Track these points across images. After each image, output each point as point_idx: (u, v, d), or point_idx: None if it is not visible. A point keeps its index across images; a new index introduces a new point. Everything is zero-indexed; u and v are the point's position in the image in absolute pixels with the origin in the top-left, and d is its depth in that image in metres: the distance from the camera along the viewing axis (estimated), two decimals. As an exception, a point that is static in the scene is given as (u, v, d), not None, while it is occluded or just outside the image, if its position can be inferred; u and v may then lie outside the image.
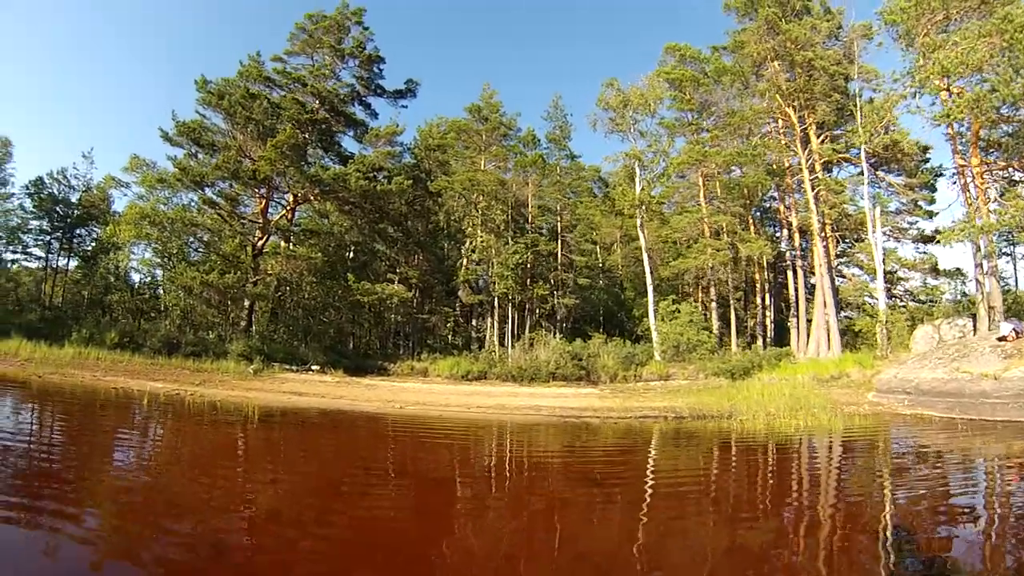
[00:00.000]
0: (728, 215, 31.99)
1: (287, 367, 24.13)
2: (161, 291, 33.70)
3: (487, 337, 33.46)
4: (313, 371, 24.53)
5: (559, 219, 37.42)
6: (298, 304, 33.94)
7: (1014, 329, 18.74)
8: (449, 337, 33.66)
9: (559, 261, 35.93)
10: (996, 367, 16.97)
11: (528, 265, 33.53)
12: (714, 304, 33.03)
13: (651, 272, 31.75)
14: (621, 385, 25.55)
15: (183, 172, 26.54)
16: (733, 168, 33.34)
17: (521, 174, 35.77)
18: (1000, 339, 18.84)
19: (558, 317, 34.71)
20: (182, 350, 22.89)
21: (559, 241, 36.50)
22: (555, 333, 32.43)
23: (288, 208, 30.47)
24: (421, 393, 20.75)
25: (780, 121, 32.25)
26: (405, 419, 14.82)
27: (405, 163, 34.53)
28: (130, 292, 32.39)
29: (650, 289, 31.31)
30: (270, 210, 30.09)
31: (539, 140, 36.33)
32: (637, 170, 33.07)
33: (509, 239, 33.35)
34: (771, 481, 8.57)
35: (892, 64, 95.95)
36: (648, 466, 9.72)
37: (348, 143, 33.62)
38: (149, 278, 35.57)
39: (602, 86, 33.98)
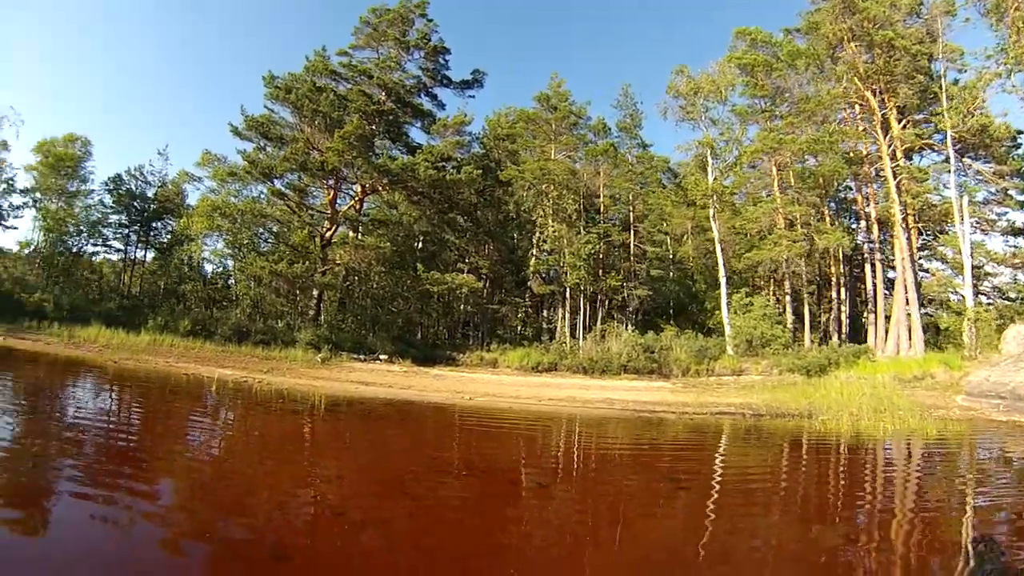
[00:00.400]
0: (804, 205, 31.63)
1: (355, 356, 24.84)
2: (232, 281, 35.03)
3: (558, 328, 33.99)
4: (381, 361, 25.23)
5: (631, 209, 37.79)
6: (366, 294, 35.11)
7: None
8: (519, 328, 34.38)
9: (631, 251, 36.44)
10: None
11: (600, 255, 34.02)
12: (788, 298, 32.87)
13: (724, 264, 31.89)
14: (693, 379, 25.55)
15: (252, 165, 27.68)
16: (808, 157, 32.92)
17: (592, 163, 36.12)
18: None
19: (629, 309, 35.20)
20: (251, 338, 23.98)
21: (631, 231, 36.89)
22: (626, 325, 33.04)
23: (356, 199, 31.67)
24: (490, 384, 20.99)
25: (857, 107, 31.81)
26: (473, 410, 14.89)
27: (474, 153, 35.20)
28: (203, 282, 33.71)
29: (723, 281, 31.53)
30: (339, 201, 31.34)
31: (609, 129, 36.78)
32: (709, 159, 33.31)
33: (581, 229, 33.89)
34: (874, 487, 8.34)
35: (980, 42, 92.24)
36: (730, 467, 9.67)
37: (416, 135, 34.28)
38: (221, 268, 36.80)
39: (672, 73, 34.46)
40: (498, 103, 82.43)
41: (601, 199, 36.48)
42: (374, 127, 29.80)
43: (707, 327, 33.73)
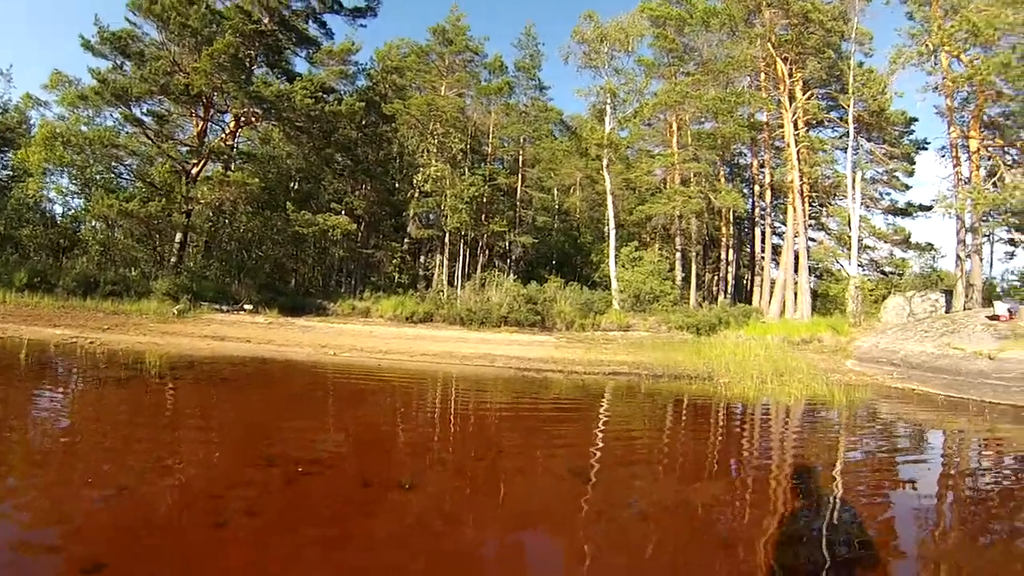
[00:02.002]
0: (703, 163, 34.44)
1: (216, 307, 24.62)
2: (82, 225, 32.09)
3: (435, 276, 35.06)
4: (245, 311, 25.29)
5: (520, 152, 39.39)
6: (231, 237, 34.47)
7: (1009, 309, 20.20)
8: (395, 275, 34.97)
9: (517, 197, 38.16)
10: (990, 347, 18.03)
11: (484, 199, 35.12)
12: (678, 255, 35.66)
13: (613, 216, 34.00)
14: (578, 334, 26.54)
15: (104, 85, 25.81)
16: (705, 120, 35.91)
17: (484, 102, 37.21)
18: (991, 318, 20.34)
19: (512, 257, 37.42)
20: (100, 290, 22.83)
21: (519, 176, 38.53)
22: (508, 274, 34.40)
23: (228, 131, 30.93)
24: (360, 337, 20.98)
25: (764, 75, 34.55)
26: (336, 369, 14.38)
27: (359, 87, 34.27)
28: (44, 226, 30.37)
29: (612, 234, 33.61)
30: (210, 135, 30.50)
31: (506, 68, 37.86)
32: (608, 108, 35.23)
33: (466, 170, 35.09)
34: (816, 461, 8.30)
35: (887, 31, 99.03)
36: (649, 446, 8.96)
37: (301, 66, 34.06)
38: (71, 211, 33.38)
39: (580, 18, 35.90)
40: (392, 36, 79.79)
41: (491, 140, 38.09)
42: (252, 51, 29.25)
43: (592, 280, 35.81)
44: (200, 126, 29.41)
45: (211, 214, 30.49)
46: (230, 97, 27.41)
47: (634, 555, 4.83)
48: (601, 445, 8.52)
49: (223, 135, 30.44)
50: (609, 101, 34.81)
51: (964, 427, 11.70)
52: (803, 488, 7.00)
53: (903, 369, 18.59)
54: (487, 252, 37.00)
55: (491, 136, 37.68)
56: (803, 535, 5.53)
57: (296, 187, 35.94)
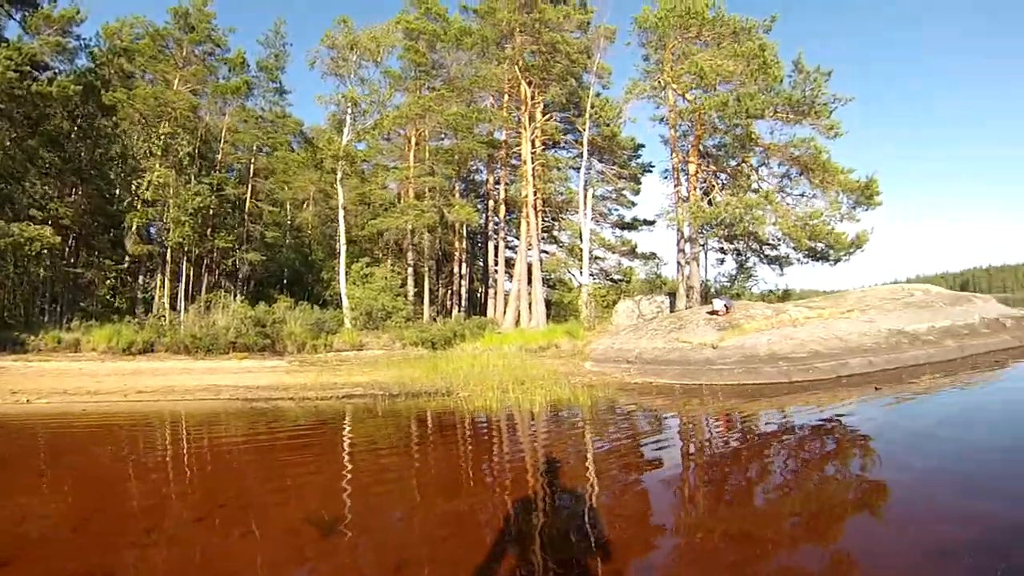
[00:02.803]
0: (437, 176, 36.74)
1: None
2: None
3: (156, 299, 32.90)
4: None
5: (252, 160, 38.67)
6: None
7: (725, 305, 23.25)
8: (110, 299, 32.14)
9: (246, 210, 37.72)
10: (712, 337, 20.61)
11: (211, 212, 34.24)
12: (410, 270, 37.75)
13: (345, 231, 35.10)
14: (311, 356, 26.26)
15: None
16: (445, 136, 38.44)
17: (219, 102, 35.85)
18: (711, 313, 23.20)
19: (239, 276, 37.00)
20: None
21: (249, 187, 37.85)
22: (235, 295, 34.20)
23: None
24: (66, 376, 19.14)
25: (507, 95, 37.81)
26: (29, 422, 12.99)
27: (78, 68, 30.68)
28: None
29: (343, 249, 34.70)
30: None
31: (248, 66, 37.09)
32: (348, 118, 36.35)
33: (192, 177, 33.70)
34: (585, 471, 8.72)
35: (626, 67, 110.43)
36: (380, 477, 8.69)
37: (12, 30, 28.85)
38: None
39: (334, 22, 36.81)
40: (126, 12, 71.70)
41: (222, 146, 37.13)
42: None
43: (324, 299, 36.97)
44: None
45: None
46: None
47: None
48: (341, 480, 8.39)
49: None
50: (350, 111, 35.84)
51: (697, 408, 13.54)
52: (560, 483, 7.76)
53: (639, 365, 20.53)
54: (214, 271, 36.48)
55: (223, 141, 36.55)
56: (568, 525, 6.33)
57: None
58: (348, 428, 12.53)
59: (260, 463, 9.62)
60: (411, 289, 36.09)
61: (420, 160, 37.29)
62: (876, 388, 14.50)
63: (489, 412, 13.19)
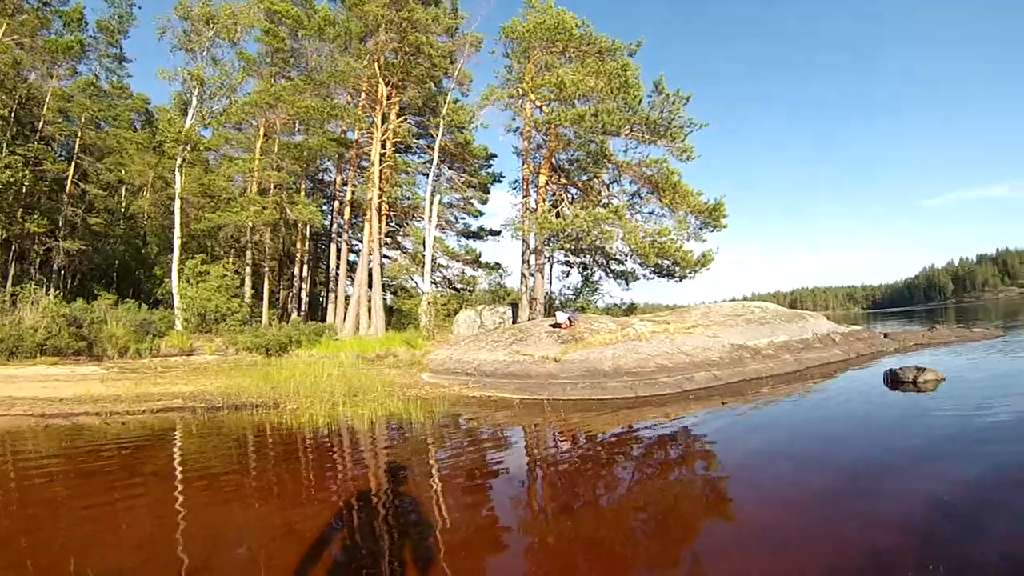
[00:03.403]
0: (283, 172, 35.32)
1: None
2: None
3: None
4: None
5: (79, 135, 34.98)
6: None
7: (568, 318, 22.98)
8: None
9: (67, 191, 34.08)
10: (555, 351, 20.41)
11: (23, 189, 30.43)
12: (248, 270, 36.26)
13: (180, 225, 32.48)
14: (134, 361, 24.21)
15: None
16: (297, 132, 37.38)
17: (48, 60, 31.74)
18: (554, 326, 22.96)
19: (55, 266, 33.29)
20: None
21: (73, 164, 34.36)
22: (49, 289, 29.42)
23: None
24: None
25: (364, 94, 36.45)
26: None
27: None
28: None
29: (176, 244, 31.99)
30: None
31: (87, 23, 33.84)
32: (195, 100, 33.58)
33: (3, 146, 30.02)
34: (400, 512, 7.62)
35: (487, 76, 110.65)
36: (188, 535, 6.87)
37: None
38: None
39: None
40: None
41: (45, 112, 33.21)
42: None
43: (155, 298, 34.72)
44: None
45: None
46: None
47: None
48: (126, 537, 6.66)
49: None
50: (196, 91, 33.14)
51: (539, 422, 13.27)
52: (402, 502, 7.44)
53: (478, 378, 19.94)
54: (23, 260, 32.55)
55: (47, 108, 32.78)
56: (417, 540, 6.11)
57: None
58: (150, 453, 10.69)
59: (35, 513, 7.30)
60: (249, 290, 34.65)
61: (267, 153, 35.72)
62: (723, 403, 15.19)
63: (315, 428, 12.52)
